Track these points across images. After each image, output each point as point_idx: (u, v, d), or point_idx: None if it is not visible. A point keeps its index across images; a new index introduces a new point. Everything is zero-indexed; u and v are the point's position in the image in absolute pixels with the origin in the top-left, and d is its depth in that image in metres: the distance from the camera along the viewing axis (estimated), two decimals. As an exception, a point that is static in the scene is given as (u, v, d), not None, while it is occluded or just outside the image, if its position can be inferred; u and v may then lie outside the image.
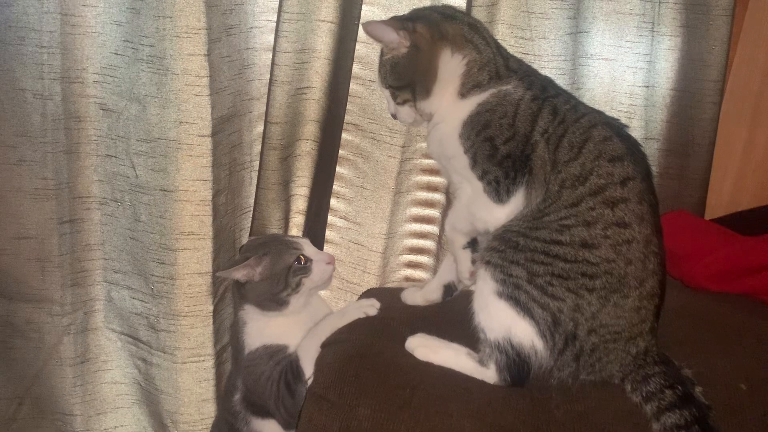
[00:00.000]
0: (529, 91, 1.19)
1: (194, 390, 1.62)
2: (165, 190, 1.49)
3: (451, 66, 1.22)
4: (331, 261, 1.44)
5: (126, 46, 1.44)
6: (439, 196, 1.75)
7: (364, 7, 1.54)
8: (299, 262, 1.40)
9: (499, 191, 1.17)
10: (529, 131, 1.16)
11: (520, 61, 1.28)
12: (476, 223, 1.23)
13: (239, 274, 1.39)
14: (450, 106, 1.23)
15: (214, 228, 1.54)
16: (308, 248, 1.44)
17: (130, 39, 1.43)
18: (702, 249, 1.49)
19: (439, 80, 1.23)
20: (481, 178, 1.19)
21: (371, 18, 1.56)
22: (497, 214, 1.18)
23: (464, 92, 1.22)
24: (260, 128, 1.62)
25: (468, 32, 1.24)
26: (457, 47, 1.22)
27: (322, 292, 1.71)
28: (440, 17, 1.25)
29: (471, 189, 1.22)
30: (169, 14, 1.37)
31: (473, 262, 1.27)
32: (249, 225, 1.69)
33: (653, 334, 1.12)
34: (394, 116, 1.33)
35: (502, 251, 1.12)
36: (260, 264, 1.39)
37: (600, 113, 1.22)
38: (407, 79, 1.26)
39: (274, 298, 1.40)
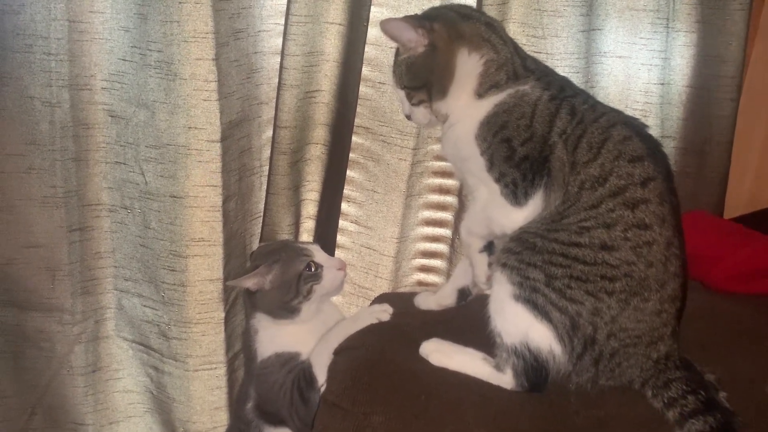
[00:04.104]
0: (547, 91, 1.17)
1: (206, 398, 1.61)
2: (175, 197, 1.48)
3: (469, 66, 1.20)
4: (342, 267, 1.43)
5: (134, 51, 1.43)
6: (451, 199, 1.73)
7: (372, 8, 1.53)
8: (310, 269, 1.39)
9: (516, 194, 1.15)
10: (547, 132, 1.14)
11: (537, 61, 1.27)
12: (493, 226, 1.21)
13: (250, 282, 1.38)
14: (466, 107, 1.21)
15: (224, 234, 1.53)
16: (319, 254, 1.42)
17: (137, 45, 1.42)
18: (722, 250, 1.48)
19: (456, 80, 1.21)
20: (498, 180, 1.17)
21: (380, 19, 1.54)
22: (515, 217, 1.16)
23: (481, 92, 1.20)
24: (269, 133, 1.61)
25: (485, 32, 1.22)
26: (474, 47, 1.20)
27: (335, 298, 1.69)
28: (457, 16, 1.24)
29: (487, 192, 1.20)
30: (176, 19, 1.37)
31: (490, 265, 1.25)
32: (259, 230, 1.68)
33: (675, 338, 1.10)
34: (409, 117, 1.32)
35: (519, 253, 1.10)
36: (270, 272, 1.38)
37: (619, 113, 1.20)
38: (423, 79, 1.24)
39: (285, 306, 1.39)
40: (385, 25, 1.24)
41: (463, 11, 1.27)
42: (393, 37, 1.26)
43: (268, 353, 1.40)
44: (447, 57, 1.21)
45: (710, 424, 1.00)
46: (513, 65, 1.21)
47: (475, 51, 1.20)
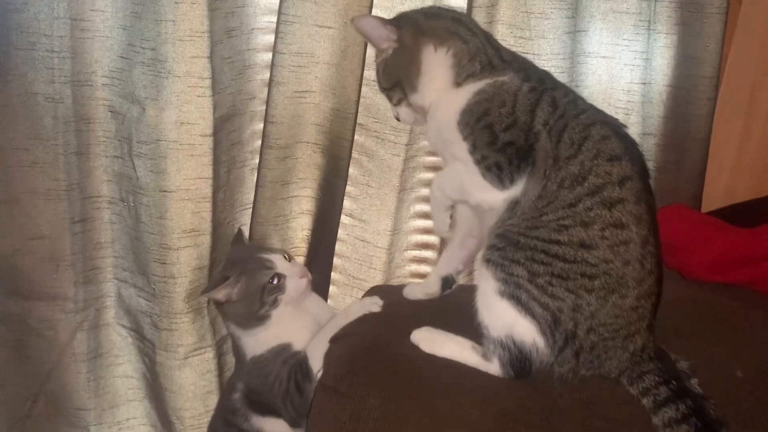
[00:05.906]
0: (527, 82, 1.18)
1: (198, 383, 1.64)
2: (165, 191, 1.51)
3: (437, 59, 1.23)
4: (304, 274, 1.43)
5: (131, 49, 1.46)
6: (441, 193, 1.77)
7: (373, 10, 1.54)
8: (273, 281, 1.40)
9: (502, 178, 1.16)
10: (529, 121, 1.15)
11: (514, 54, 1.28)
12: (469, 199, 1.24)
13: (221, 294, 1.40)
14: (446, 95, 1.22)
15: (213, 223, 1.56)
16: (281, 264, 1.42)
17: (135, 42, 1.45)
18: (699, 241, 1.52)
19: (424, 74, 1.24)
20: (478, 162, 1.18)
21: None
22: (496, 197, 1.18)
23: (459, 81, 1.22)
24: (258, 127, 1.64)
25: (452, 26, 1.25)
26: (440, 41, 1.23)
27: (332, 289, 1.72)
28: (423, 16, 1.28)
29: (464, 167, 1.21)
30: (171, 18, 1.39)
31: (451, 217, 1.30)
32: (249, 221, 1.70)
33: (650, 331, 1.13)
34: (397, 118, 1.35)
35: (503, 249, 1.12)
36: (237, 284, 1.40)
37: (598, 111, 1.21)
38: (396, 77, 1.27)
39: (254, 316, 1.41)
40: (357, 23, 1.27)
41: (430, 11, 1.31)
42: (365, 35, 1.30)
43: (259, 352, 1.42)
44: (413, 53, 1.24)
45: (682, 411, 1.04)
46: (487, 55, 1.22)
47: (441, 45, 1.23)
